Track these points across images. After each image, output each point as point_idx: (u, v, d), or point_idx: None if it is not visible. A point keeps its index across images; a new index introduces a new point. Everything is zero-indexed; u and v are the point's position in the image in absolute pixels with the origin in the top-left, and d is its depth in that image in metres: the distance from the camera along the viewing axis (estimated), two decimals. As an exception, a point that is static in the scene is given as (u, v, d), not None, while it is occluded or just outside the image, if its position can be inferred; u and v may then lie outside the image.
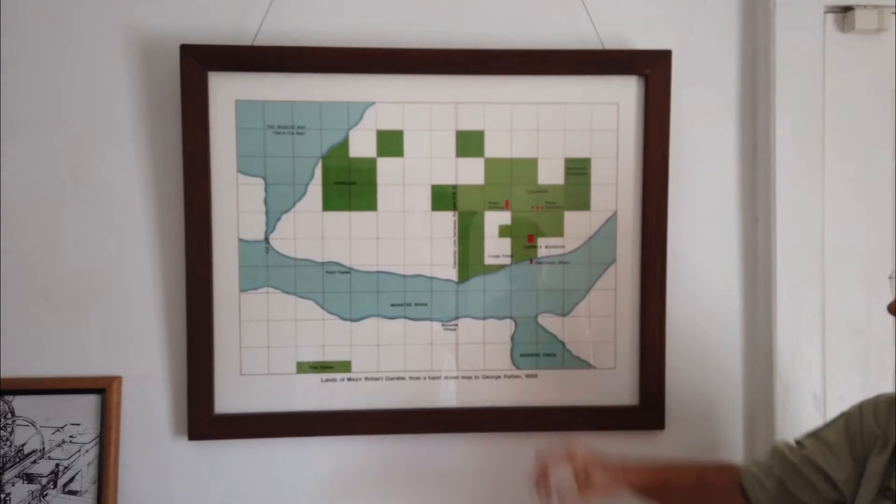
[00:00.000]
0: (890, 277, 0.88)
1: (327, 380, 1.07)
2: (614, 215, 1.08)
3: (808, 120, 1.07)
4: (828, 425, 0.85)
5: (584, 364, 1.10)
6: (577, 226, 1.08)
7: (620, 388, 1.10)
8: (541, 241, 1.08)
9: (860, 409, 0.82)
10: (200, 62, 1.01)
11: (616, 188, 1.08)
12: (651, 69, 1.05)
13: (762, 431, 1.10)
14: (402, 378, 1.08)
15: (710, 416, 1.13)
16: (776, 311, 1.07)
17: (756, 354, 1.11)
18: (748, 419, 1.13)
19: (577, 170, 1.08)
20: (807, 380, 1.08)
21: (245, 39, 1.04)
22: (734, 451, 1.13)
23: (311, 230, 1.05)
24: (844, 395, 1.08)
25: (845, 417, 0.83)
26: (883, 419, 0.78)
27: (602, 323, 1.09)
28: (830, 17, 1.07)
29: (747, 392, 1.13)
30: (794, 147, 1.06)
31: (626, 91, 1.07)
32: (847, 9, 1.06)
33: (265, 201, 1.05)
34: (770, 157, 1.07)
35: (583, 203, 1.08)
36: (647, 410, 1.09)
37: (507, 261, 1.08)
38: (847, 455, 0.80)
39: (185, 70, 1.01)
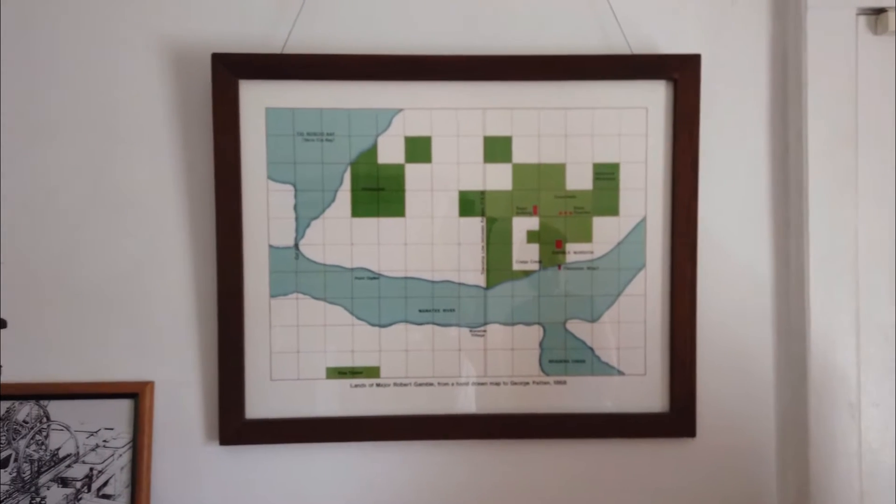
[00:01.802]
0: None
1: (356, 385, 1.07)
2: (643, 220, 1.08)
3: (840, 123, 1.05)
4: None
5: (613, 370, 1.09)
6: (606, 231, 1.07)
7: (650, 395, 1.09)
8: (569, 247, 1.08)
9: None
10: (231, 70, 1.02)
11: (645, 193, 1.07)
12: (680, 73, 1.05)
13: (795, 439, 1.08)
14: (431, 384, 1.08)
15: (742, 424, 1.11)
16: (809, 318, 1.05)
17: (789, 361, 1.10)
18: (781, 427, 1.11)
19: (606, 175, 1.07)
20: (841, 387, 1.06)
21: (275, 47, 1.05)
22: (766, 459, 1.12)
23: (340, 236, 1.06)
24: (879, 402, 1.07)
25: None
26: None
27: (631, 329, 1.08)
28: (862, 18, 1.06)
29: (780, 400, 1.11)
30: (826, 150, 1.05)
31: (654, 96, 1.06)
32: (879, 10, 1.05)
33: (295, 207, 1.06)
34: (802, 160, 1.05)
35: (611, 208, 1.07)
36: (678, 418, 1.08)
37: (535, 266, 1.08)
38: None
39: (217, 78, 1.02)
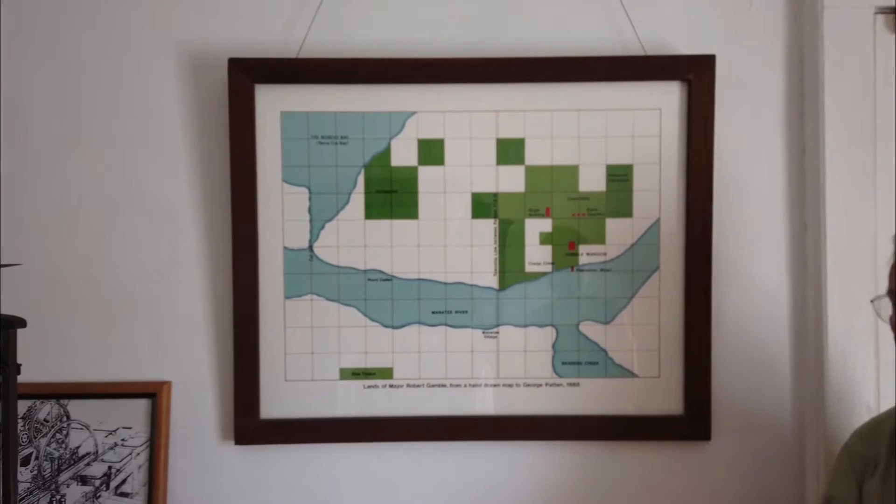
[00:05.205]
0: (871, 301, 0.87)
1: (369, 386, 1.08)
2: (657, 222, 1.07)
3: (858, 123, 1.04)
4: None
5: (627, 373, 1.08)
6: (620, 233, 1.07)
7: (665, 398, 1.08)
8: (582, 249, 1.07)
9: (854, 436, 0.90)
10: (248, 75, 1.03)
11: (659, 195, 1.07)
12: (694, 74, 1.04)
13: (813, 443, 1.07)
14: (444, 385, 1.08)
15: (758, 428, 1.10)
16: (827, 319, 1.04)
17: (806, 364, 1.09)
18: (798, 430, 1.10)
19: (619, 176, 1.07)
20: (860, 390, 1.04)
21: (290, 52, 1.06)
22: (783, 463, 1.10)
23: (354, 238, 1.07)
24: (900, 405, 1.05)
25: (845, 448, 0.89)
26: (868, 443, 0.85)
27: (645, 331, 1.08)
28: (881, 17, 1.05)
29: (797, 403, 1.10)
30: (844, 151, 1.04)
31: (668, 97, 1.06)
32: (898, 9, 1.04)
33: (309, 210, 1.07)
34: (819, 161, 1.04)
35: (625, 210, 1.07)
36: (693, 420, 1.07)
37: (548, 268, 1.08)
38: (854, 483, 0.86)
39: (233, 83, 1.03)
